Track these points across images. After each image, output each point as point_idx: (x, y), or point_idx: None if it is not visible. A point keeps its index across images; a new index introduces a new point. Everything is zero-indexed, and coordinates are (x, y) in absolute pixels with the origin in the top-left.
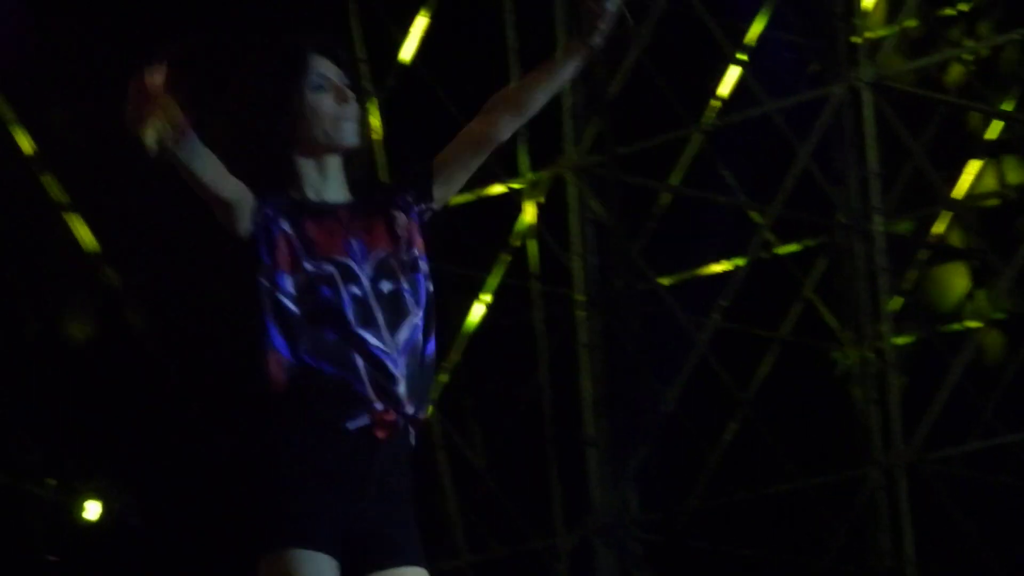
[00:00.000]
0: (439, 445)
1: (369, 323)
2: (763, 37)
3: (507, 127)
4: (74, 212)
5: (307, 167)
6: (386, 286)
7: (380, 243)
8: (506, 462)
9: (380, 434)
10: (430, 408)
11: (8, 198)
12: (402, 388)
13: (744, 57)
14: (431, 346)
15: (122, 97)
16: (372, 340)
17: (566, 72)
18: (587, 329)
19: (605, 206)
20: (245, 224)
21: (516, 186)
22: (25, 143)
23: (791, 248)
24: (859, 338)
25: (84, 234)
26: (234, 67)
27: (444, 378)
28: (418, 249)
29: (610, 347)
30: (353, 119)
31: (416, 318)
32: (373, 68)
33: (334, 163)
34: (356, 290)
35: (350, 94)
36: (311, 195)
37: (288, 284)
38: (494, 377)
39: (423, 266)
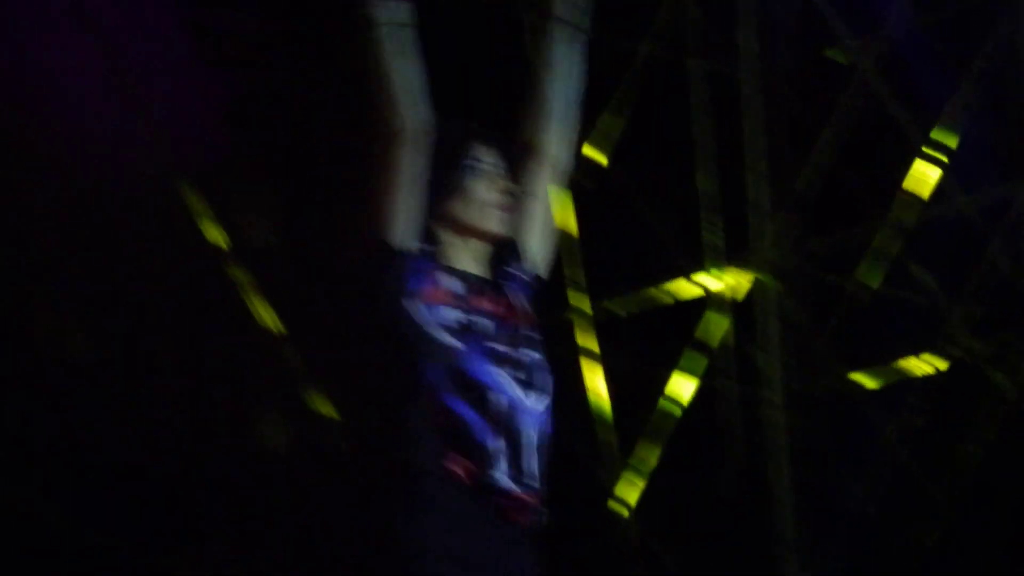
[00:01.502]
0: (636, 548)
1: (511, 379)
2: (957, 133)
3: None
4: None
5: (452, 243)
6: (524, 355)
7: (514, 321)
8: (700, 563)
9: (518, 518)
10: (625, 511)
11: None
12: (532, 463)
13: (943, 158)
14: (550, 426)
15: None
16: (511, 395)
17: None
18: (780, 429)
19: (797, 304)
20: (402, 229)
21: (706, 285)
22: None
23: (987, 347)
24: None
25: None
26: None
27: (640, 482)
28: (539, 335)
29: (804, 447)
30: (503, 208)
31: (546, 396)
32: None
33: (482, 248)
34: (500, 347)
35: (505, 184)
36: (455, 265)
37: (438, 316)
38: (688, 478)
39: (545, 353)
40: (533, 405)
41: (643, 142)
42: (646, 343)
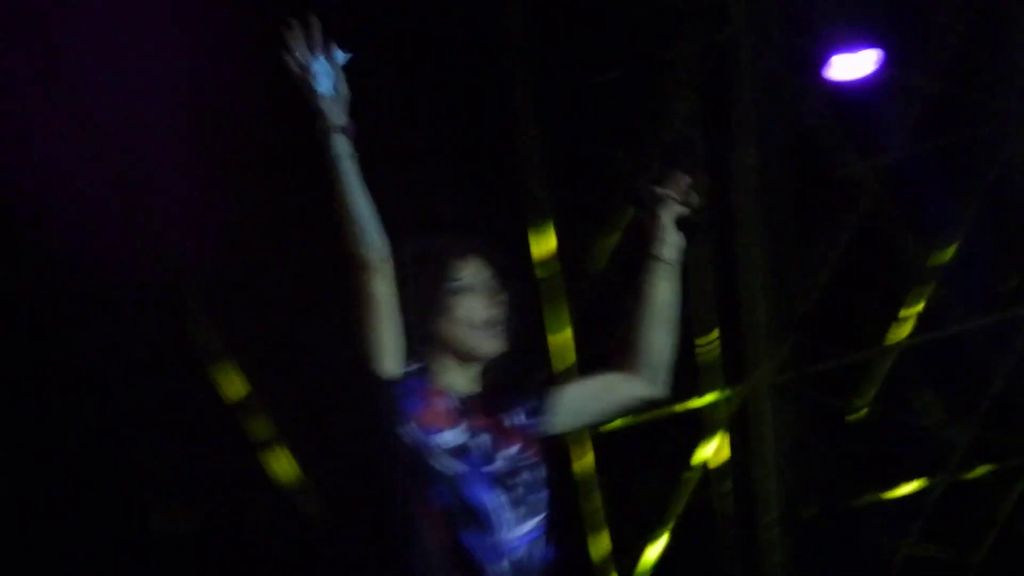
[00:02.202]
0: None
1: (506, 503)
2: (957, 254)
3: (636, 378)
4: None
5: (443, 364)
6: (518, 479)
7: (508, 439)
8: None
9: None
10: None
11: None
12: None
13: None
14: (549, 553)
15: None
16: (509, 521)
17: (661, 294)
18: (779, 550)
19: (795, 425)
20: (391, 360)
21: (704, 403)
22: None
23: (987, 469)
24: None
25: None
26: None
27: None
28: (535, 455)
29: (803, 570)
30: (490, 326)
31: (540, 514)
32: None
33: (473, 365)
34: (500, 465)
35: (490, 299)
36: (449, 384)
37: (440, 442)
38: None
39: (543, 471)
40: (530, 528)
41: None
42: (644, 462)
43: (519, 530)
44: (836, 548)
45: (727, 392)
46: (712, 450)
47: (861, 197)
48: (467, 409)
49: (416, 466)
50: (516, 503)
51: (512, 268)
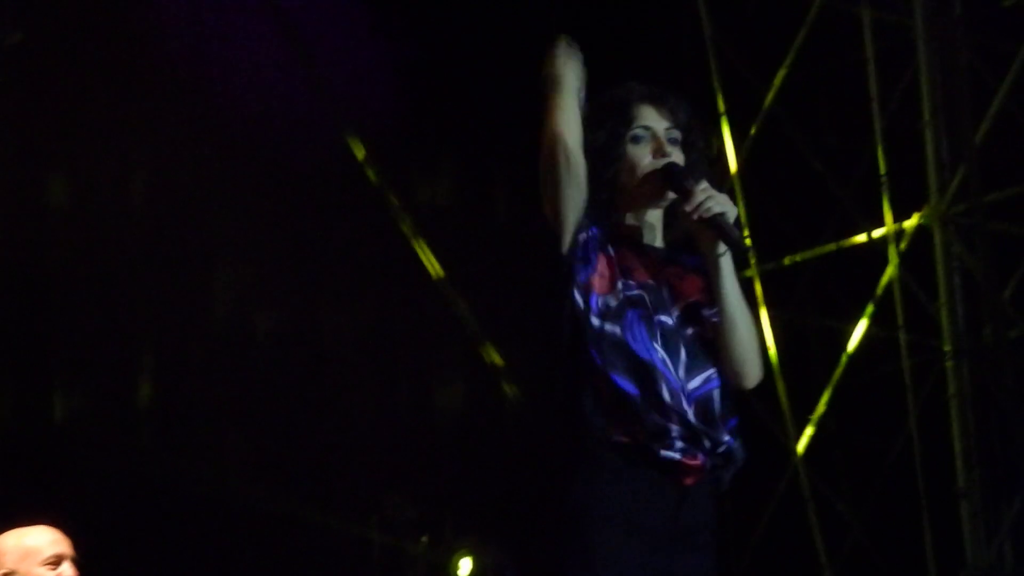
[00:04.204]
0: (808, 497)
1: (672, 357)
2: None
3: (744, 380)
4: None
5: (627, 213)
6: (690, 330)
7: (689, 292)
8: (877, 515)
9: (688, 480)
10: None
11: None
12: (700, 429)
13: None
14: (726, 404)
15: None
16: (671, 375)
17: (730, 299)
18: (956, 380)
19: (973, 255)
20: (568, 234)
21: (880, 235)
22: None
23: None
24: None
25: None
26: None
27: (811, 430)
28: (709, 306)
29: (981, 398)
30: (666, 176)
31: (713, 372)
32: (735, 121)
33: (653, 214)
34: (665, 319)
35: (670, 149)
36: (629, 234)
37: (600, 304)
38: (863, 429)
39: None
40: (700, 382)
41: (819, 93)
42: (823, 296)
43: (689, 385)
44: (1018, 375)
45: (902, 224)
46: (890, 281)
47: None
48: (642, 262)
49: (580, 327)
50: (685, 357)
51: (696, 122)
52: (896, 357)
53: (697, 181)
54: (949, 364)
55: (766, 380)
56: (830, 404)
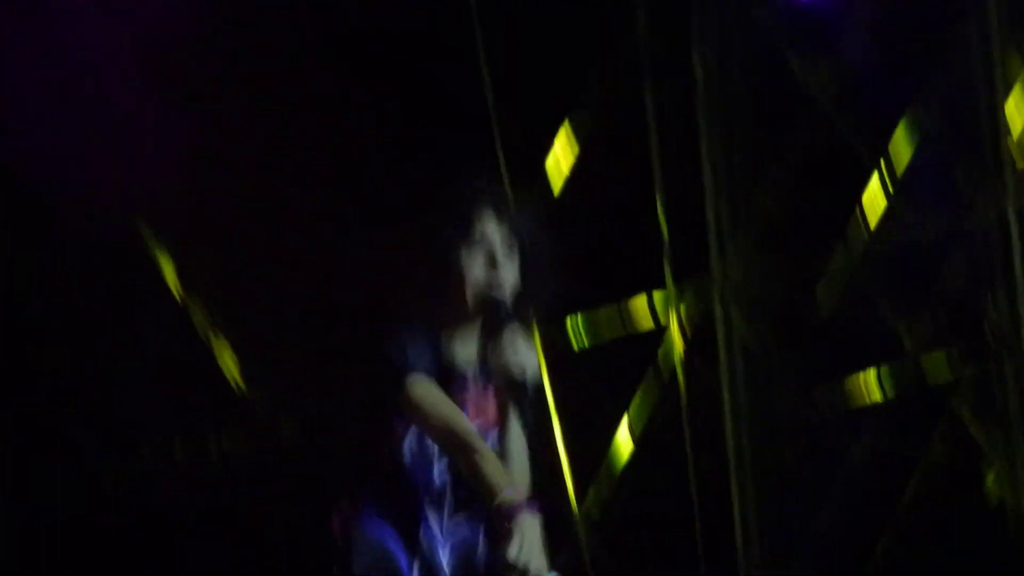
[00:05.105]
0: (588, 561)
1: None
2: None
3: None
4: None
5: (448, 327)
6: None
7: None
8: None
9: None
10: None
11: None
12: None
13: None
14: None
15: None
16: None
17: (511, 435)
18: (734, 451)
19: (757, 323)
20: None
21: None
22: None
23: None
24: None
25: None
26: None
27: (595, 515)
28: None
29: (761, 468)
30: (499, 286)
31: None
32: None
33: (474, 329)
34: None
35: (500, 260)
36: (446, 351)
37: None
38: (645, 498)
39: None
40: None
41: (601, 164)
42: (602, 371)
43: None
44: (793, 448)
45: (680, 294)
46: (673, 353)
47: (818, 102)
48: (463, 390)
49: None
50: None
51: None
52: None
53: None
54: (732, 435)
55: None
56: (612, 473)
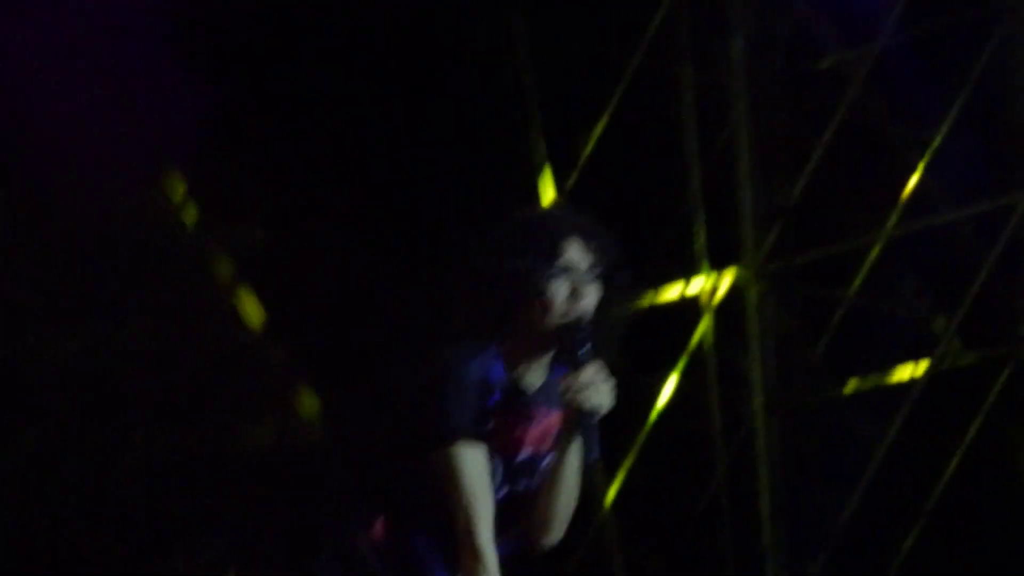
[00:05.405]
0: (616, 549)
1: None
2: (946, 143)
3: (545, 540)
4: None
5: (519, 350)
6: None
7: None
8: (683, 570)
9: None
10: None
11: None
12: None
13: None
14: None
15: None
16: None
17: (570, 467)
18: (764, 437)
19: (785, 313)
20: None
21: (695, 290)
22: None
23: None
24: None
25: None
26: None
27: (618, 483)
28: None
29: (789, 456)
30: (576, 318)
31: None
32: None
33: (548, 355)
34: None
35: (585, 293)
36: (512, 376)
37: None
38: (671, 484)
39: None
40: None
41: (632, 150)
42: (631, 349)
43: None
44: (821, 436)
45: (714, 278)
46: (701, 336)
47: (848, 86)
48: (527, 418)
49: None
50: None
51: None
52: (707, 411)
53: (594, 352)
54: (758, 422)
55: None
56: (640, 459)
